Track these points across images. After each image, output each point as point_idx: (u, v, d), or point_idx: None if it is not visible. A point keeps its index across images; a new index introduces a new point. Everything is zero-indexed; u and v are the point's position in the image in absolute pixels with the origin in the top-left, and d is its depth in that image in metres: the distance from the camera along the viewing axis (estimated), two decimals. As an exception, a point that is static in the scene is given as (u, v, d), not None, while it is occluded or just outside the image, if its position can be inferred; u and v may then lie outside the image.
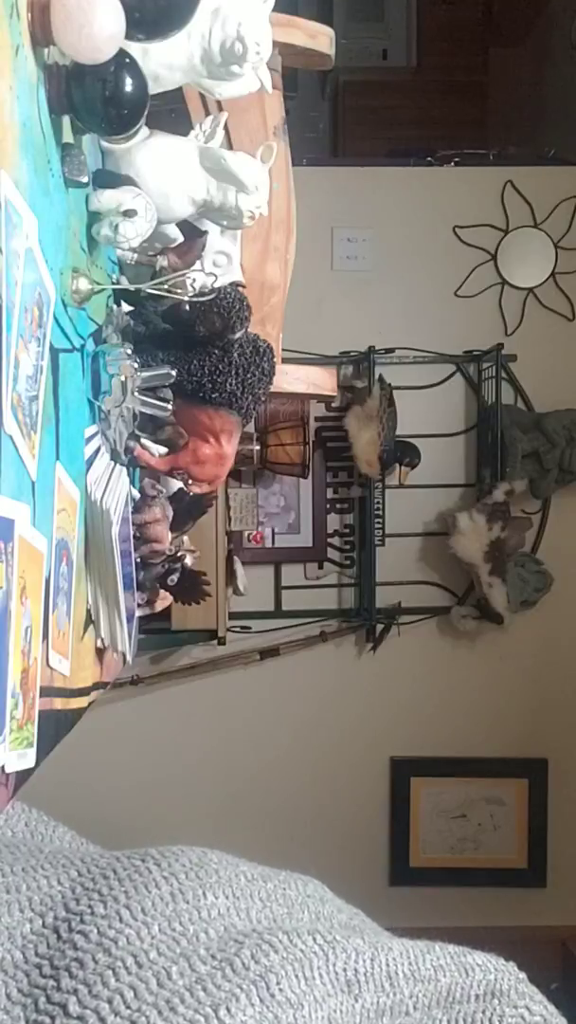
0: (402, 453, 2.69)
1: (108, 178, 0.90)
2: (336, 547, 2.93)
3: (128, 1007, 0.49)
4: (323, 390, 1.66)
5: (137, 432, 1.05)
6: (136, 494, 1.13)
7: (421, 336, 2.86)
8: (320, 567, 2.92)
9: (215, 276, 1.04)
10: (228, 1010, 0.48)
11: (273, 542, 2.88)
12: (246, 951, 0.53)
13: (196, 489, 1.19)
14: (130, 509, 1.03)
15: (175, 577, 1.18)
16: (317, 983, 0.53)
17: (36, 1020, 0.50)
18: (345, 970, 0.55)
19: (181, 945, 0.54)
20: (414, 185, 2.91)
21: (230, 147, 1.27)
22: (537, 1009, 0.56)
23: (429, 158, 2.96)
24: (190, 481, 1.17)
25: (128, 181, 0.90)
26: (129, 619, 0.99)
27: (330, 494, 2.92)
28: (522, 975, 0.59)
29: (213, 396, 1.11)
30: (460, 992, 0.57)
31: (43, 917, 0.57)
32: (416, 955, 0.58)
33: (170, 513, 1.14)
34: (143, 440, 1.07)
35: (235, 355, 1.10)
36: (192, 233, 1.04)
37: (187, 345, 1.09)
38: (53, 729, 0.76)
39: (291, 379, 1.59)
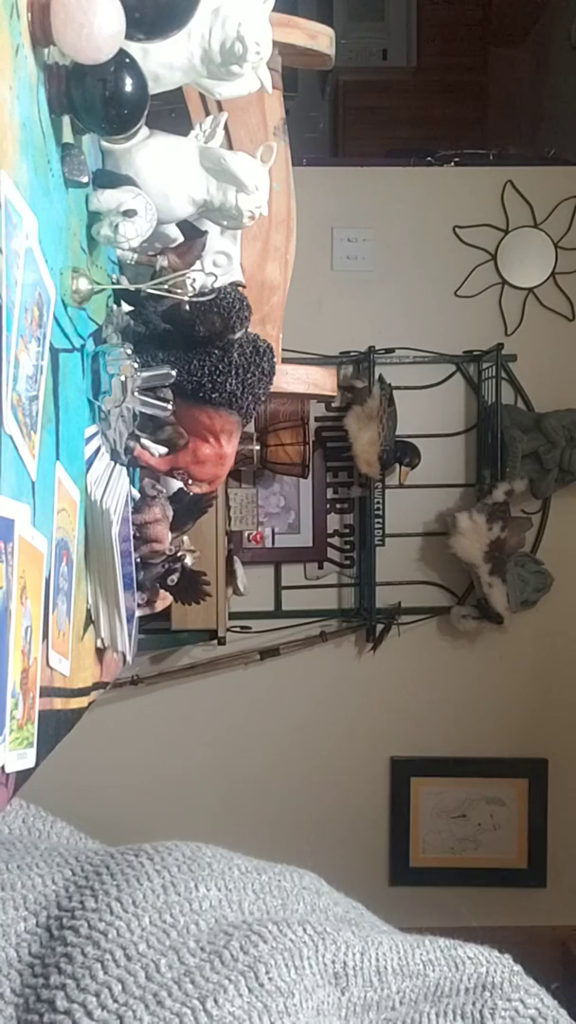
0: (402, 453, 2.69)
1: (108, 178, 0.90)
2: (336, 547, 2.93)
3: (115, 1001, 0.49)
4: (323, 390, 1.66)
5: (137, 432, 1.05)
6: (136, 494, 1.13)
7: (421, 336, 2.85)
8: (320, 567, 2.91)
9: (215, 276, 1.04)
10: (216, 1001, 0.48)
11: (273, 542, 2.88)
12: (235, 943, 0.52)
13: (196, 489, 1.19)
14: (130, 509, 1.03)
15: (175, 577, 1.18)
16: (307, 973, 0.52)
17: (27, 1020, 0.50)
18: (334, 962, 0.54)
19: (171, 937, 0.54)
20: (414, 185, 2.91)
21: (230, 147, 1.28)
22: (532, 1002, 0.55)
23: (429, 158, 2.96)
24: (190, 481, 1.17)
25: (128, 181, 0.91)
26: (129, 619, 0.99)
27: (330, 494, 2.92)
28: (517, 967, 0.57)
29: (213, 396, 1.11)
30: (449, 986, 0.56)
31: (37, 916, 0.57)
32: (406, 950, 0.57)
33: (170, 513, 1.14)
34: (143, 440, 1.07)
35: (235, 355, 1.10)
36: (192, 233, 1.04)
37: (187, 345, 1.09)
38: (53, 729, 0.76)
39: (291, 379, 1.59)
